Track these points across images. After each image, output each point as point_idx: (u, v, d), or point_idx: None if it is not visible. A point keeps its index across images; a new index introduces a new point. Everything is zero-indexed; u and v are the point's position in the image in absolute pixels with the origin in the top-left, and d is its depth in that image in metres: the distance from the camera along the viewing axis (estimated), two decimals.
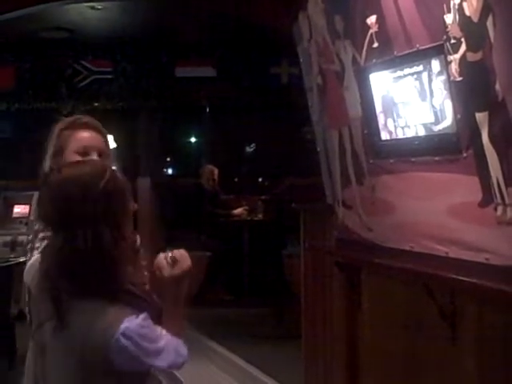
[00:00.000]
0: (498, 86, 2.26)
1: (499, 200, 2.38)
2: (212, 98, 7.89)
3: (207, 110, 8.45)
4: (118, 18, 6.54)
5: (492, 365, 2.63)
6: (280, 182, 7.89)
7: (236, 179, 10.42)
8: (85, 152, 2.08)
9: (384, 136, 3.01)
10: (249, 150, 11.36)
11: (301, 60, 3.56)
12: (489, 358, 2.66)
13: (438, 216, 2.72)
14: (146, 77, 7.69)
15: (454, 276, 2.69)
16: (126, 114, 7.98)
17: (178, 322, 1.69)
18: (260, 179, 12.08)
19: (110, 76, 7.85)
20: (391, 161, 2.97)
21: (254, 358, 5.19)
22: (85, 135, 2.15)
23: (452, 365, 2.82)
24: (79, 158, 2.02)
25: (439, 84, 2.59)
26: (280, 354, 5.18)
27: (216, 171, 7.66)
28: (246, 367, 5.10)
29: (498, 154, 2.34)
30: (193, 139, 10.24)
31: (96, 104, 7.80)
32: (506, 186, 2.33)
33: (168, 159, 10.03)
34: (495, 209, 2.40)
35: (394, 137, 2.96)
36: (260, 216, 7.70)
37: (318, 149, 3.55)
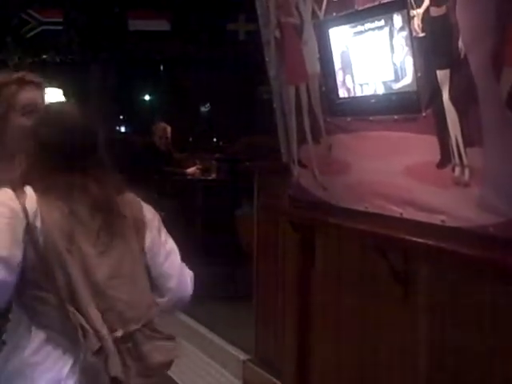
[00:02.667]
0: (460, 43, 2.20)
1: (457, 161, 2.34)
2: (166, 53, 7.67)
3: (161, 66, 8.23)
4: None
5: (443, 325, 2.63)
6: (235, 142, 7.79)
7: (190, 139, 10.26)
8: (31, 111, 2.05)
9: (342, 93, 2.93)
10: (204, 109, 11.19)
11: (258, 12, 3.43)
12: (440, 318, 2.65)
13: (393, 176, 2.68)
14: (98, 29, 7.40)
15: (408, 237, 2.65)
16: (77, 67, 7.71)
17: None
18: (214, 139, 11.98)
19: (59, 27, 7.53)
20: (348, 119, 2.90)
21: (204, 318, 5.14)
22: (32, 95, 2.11)
23: (403, 325, 2.81)
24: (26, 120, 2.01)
25: (401, 40, 2.51)
26: (232, 314, 5.14)
27: (169, 129, 7.49)
28: (196, 327, 5.06)
29: (458, 114, 2.29)
30: (147, 97, 10.00)
31: (44, 56, 7.50)
32: (465, 146, 2.28)
33: (121, 117, 9.80)
34: (453, 170, 2.37)
35: (351, 94, 2.88)
36: (213, 175, 7.60)
37: (275, 105, 3.46)
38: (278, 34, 3.29)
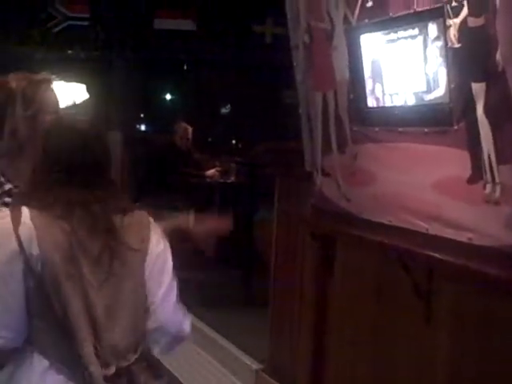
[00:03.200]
0: (498, 56, 2.11)
1: (489, 178, 2.25)
2: (190, 53, 7.63)
3: (185, 66, 8.20)
4: None
5: (466, 347, 2.54)
6: (254, 146, 7.73)
7: (210, 139, 10.20)
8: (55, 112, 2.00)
9: (371, 103, 2.85)
10: (224, 110, 11.14)
11: (288, 16, 3.36)
12: (463, 339, 2.56)
13: (421, 190, 2.59)
14: (124, 26, 7.38)
15: (433, 253, 2.57)
16: (101, 64, 7.70)
17: None
18: (234, 141, 11.90)
19: (85, 23, 7.52)
20: (376, 129, 2.82)
21: (216, 324, 5.07)
22: (56, 95, 2.06)
23: (423, 345, 2.72)
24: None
25: (435, 50, 2.43)
26: (246, 321, 5.06)
27: (190, 129, 7.45)
28: (208, 332, 4.99)
29: (492, 129, 2.20)
30: (168, 96, 9.96)
31: (69, 52, 7.49)
32: (498, 163, 2.19)
33: (142, 115, 9.78)
34: (484, 187, 2.28)
35: (381, 104, 2.80)
36: (232, 178, 7.54)
37: (300, 111, 3.38)
38: (307, 38, 3.22)
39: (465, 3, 2.20)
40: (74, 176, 1.65)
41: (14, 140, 1.91)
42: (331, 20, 3.00)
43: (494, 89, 2.16)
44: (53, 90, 2.02)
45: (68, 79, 7.63)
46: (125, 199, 1.74)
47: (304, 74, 3.32)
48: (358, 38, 2.82)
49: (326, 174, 3.27)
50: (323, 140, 3.24)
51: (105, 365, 1.59)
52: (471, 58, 2.24)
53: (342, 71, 2.99)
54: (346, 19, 2.89)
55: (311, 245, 3.56)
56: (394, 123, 2.71)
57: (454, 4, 2.25)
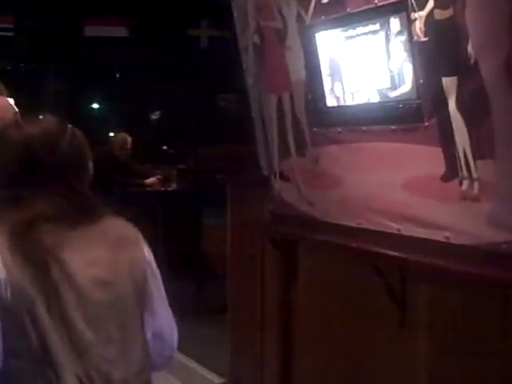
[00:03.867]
0: (469, 48, 2.04)
1: (465, 174, 2.18)
2: (124, 61, 7.40)
3: (117, 74, 7.97)
4: None
5: (444, 352, 2.46)
6: (187, 151, 7.58)
7: (140, 147, 9.95)
8: None
9: (330, 102, 2.75)
10: (154, 117, 10.97)
11: (235, 16, 3.22)
12: (441, 343, 2.48)
13: (391, 190, 2.51)
14: (51, 35, 7.07)
15: (406, 255, 2.49)
16: (29, 76, 7.36)
17: None
18: (165, 147, 11.64)
19: (10, 33, 7.17)
20: (338, 129, 2.72)
21: None
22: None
23: (400, 352, 2.64)
24: None
25: (398, 45, 2.34)
26: (200, 332, 4.88)
27: (129, 139, 7.22)
28: None
29: (466, 124, 2.13)
30: (95, 105, 9.65)
31: None
32: (475, 158, 2.13)
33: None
34: (460, 183, 2.21)
35: (341, 103, 2.70)
36: (174, 186, 7.36)
37: (253, 114, 3.25)
38: (257, 39, 3.09)
39: None
40: (19, 193, 1.49)
41: None
42: (283, 19, 2.88)
43: (466, 82, 2.09)
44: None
45: None
46: (90, 206, 1.54)
47: (255, 76, 3.19)
48: (314, 36, 2.71)
49: (284, 178, 3.16)
50: (280, 143, 3.13)
51: None
52: (440, 52, 2.16)
53: (297, 71, 2.88)
54: (299, 17, 2.78)
55: (271, 251, 3.43)
56: (357, 122, 2.62)
57: None
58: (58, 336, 1.42)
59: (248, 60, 3.21)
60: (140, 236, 1.59)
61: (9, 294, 1.39)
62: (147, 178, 7.45)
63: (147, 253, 1.59)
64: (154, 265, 1.61)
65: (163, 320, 1.62)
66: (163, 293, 1.63)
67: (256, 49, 3.13)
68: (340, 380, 2.99)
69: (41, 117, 1.64)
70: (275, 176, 3.22)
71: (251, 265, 3.73)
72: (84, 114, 9.26)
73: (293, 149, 3.04)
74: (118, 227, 1.57)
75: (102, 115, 10.06)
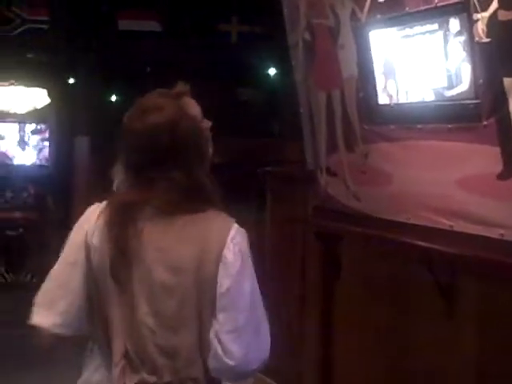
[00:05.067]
0: None
1: None
2: (156, 56, 7.47)
3: (147, 68, 8.04)
4: None
5: (492, 347, 2.51)
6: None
7: None
8: None
9: (383, 100, 2.79)
10: None
11: (285, 12, 3.27)
12: (489, 339, 2.53)
13: (444, 187, 2.55)
14: (85, 28, 7.15)
15: (456, 251, 2.54)
16: (63, 67, 7.45)
17: None
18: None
19: (45, 26, 7.26)
20: (391, 127, 2.77)
21: None
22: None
23: (449, 345, 2.69)
24: None
25: (457, 45, 2.38)
26: None
27: None
28: None
29: None
30: (122, 98, 9.68)
31: (29, 55, 7.22)
32: None
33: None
34: None
35: (394, 101, 2.75)
36: None
37: (301, 110, 3.31)
38: (307, 36, 3.14)
39: None
40: (140, 171, 1.59)
41: None
42: (336, 16, 2.93)
43: None
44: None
45: (28, 84, 7.37)
46: (200, 196, 1.59)
47: (305, 72, 3.24)
48: (368, 34, 2.76)
49: (331, 173, 3.21)
50: (328, 139, 3.18)
51: (132, 371, 1.53)
52: (503, 53, 2.20)
53: (349, 69, 2.93)
54: (353, 15, 2.83)
55: (315, 246, 3.49)
56: (412, 120, 2.66)
57: None
58: (119, 313, 1.53)
59: (297, 57, 3.27)
60: (228, 236, 1.55)
61: (96, 260, 1.56)
62: None
63: (230, 253, 1.54)
64: (237, 267, 1.54)
65: (241, 320, 1.52)
66: (247, 294, 1.53)
67: (306, 46, 3.18)
68: (385, 373, 3.04)
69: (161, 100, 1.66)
70: (321, 171, 3.27)
71: (292, 260, 3.79)
72: (111, 106, 9.33)
73: (341, 145, 3.09)
74: (206, 223, 1.58)
75: (128, 106, 10.12)
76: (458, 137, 2.45)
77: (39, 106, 7.50)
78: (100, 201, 1.65)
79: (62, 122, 7.64)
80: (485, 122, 2.32)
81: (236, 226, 1.59)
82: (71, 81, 7.70)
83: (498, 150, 2.29)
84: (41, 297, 1.62)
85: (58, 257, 1.65)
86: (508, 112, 2.21)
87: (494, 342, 2.51)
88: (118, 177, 1.64)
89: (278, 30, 3.52)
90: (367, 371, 3.16)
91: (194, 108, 1.68)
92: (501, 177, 2.31)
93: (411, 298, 2.91)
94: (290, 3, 3.22)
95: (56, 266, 1.63)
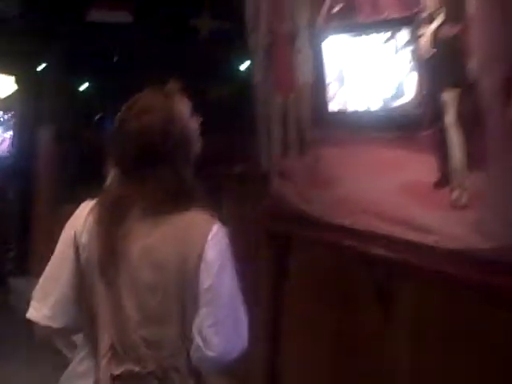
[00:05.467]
0: (472, 64, 2.18)
1: (457, 183, 2.32)
2: (126, 47, 7.49)
3: (114, 58, 8.04)
4: None
5: (426, 345, 2.61)
6: None
7: None
8: None
9: (334, 107, 2.88)
10: None
11: (247, 16, 3.35)
12: (423, 339, 2.64)
13: (385, 194, 2.64)
14: (55, 18, 7.13)
15: (395, 255, 2.63)
16: (31, 57, 7.42)
17: None
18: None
19: (13, 13, 7.21)
20: (340, 133, 2.85)
21: None
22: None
23: (385, 343, 2.79)
24: None
25: (405, 57, 2.48)
26: None
27: None
28: None
29: (462, 136, 2.27)
30: (87, 87, 9.60)
31: None
32: (467, 168, 2.27)
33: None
34: (451, 191, 2.35)
35: (344, 109, 2.84)
36: None
37: (258, 112, 3.38)
38: (268, 40, 3.22)
39: (439, 12, 2.26)
40: (128, 173, 1.68)
41: None
42: (295, 23, 3.01)
43: (466, 96, 2.22)
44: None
45: None
46: (186, 195, 1.68)
47: (264, 75, 3.32)
48: (323, 42, 2.85)
49: (284, 176, 3.29)
50: (282, 142, 3.26)
51: (118, 361, 1.62)
52: (444, 67, 2.30)
53: (305, 75, 3.01)
54: (310, 23, 2.91)
55: (266, 246, 3.56)
56: (359, 128, 2.75)
57: (426, 13, 2.31)
58: (106, 307, 1.62)
59: (258, 59, 3.34)
60: (209, 234, 1.63)
61: (84, 257, 1.67)
62: None
63: (211, 251, 1.62)
64: (218, 265, 1.63)
65: (221, 314, 1.62)
66: (227, 290, 1.64)
67: (266, 50, 3.26)
68: (326, 372, 3.13)
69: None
70: (275, 173, 3.35)
71: (245, 259, 3.84)
72: (77, 95, 9.30)
73: (294, 148, 3.17)
74: (188, 222, 1.66)
75: (93, 97, 10.07)
76: (401, 145, 2.54)
77: (5, 94, 7.46)
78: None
79: (28, 110, 7.61)
80: (424, 133, 2.41)
81: (217, 224, 1.67)
82: (39, 69, 7.66)
83: (435, 159, 2.39)
84: (36, 291, 1.74)
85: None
86: (446, 124, 2.31)
87: (427, 343, 2.61)
88: (110, 174, 1.72)
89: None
90: (313, 373, 3.25)
91: (184, 106, 1.77)
92: (437, 186, 2.40)
93: (354, 301, 3.00)
94: (251, 7, 3.30)
95: (50, 261, 1.74)
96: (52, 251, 1.75)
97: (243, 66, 8.05)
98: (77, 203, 1.78)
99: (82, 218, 1.71)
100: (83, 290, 1.68)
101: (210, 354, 1.61)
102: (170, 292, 1.63)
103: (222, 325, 1.62)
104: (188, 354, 1.64)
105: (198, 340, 1.61)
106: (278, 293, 3.45)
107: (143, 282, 1.62)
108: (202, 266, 1.62)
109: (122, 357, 1.62)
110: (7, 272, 6.89)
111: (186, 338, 1.64)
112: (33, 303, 1.73)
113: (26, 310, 1.73)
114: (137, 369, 1.62)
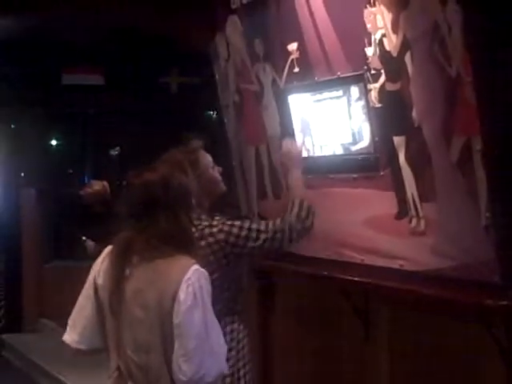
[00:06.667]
0: (414, 114, 2.57)
1: (414, 213, 2.70)
2: (99, 107, 7.85)
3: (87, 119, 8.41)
4: (1, 18, 6.31)
5: (403, 357, 2.95)
6: None
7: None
8: None
9: (303, 153, 3.25)
10: (113, 153, 11.28)
11: (216, 77, 3.73)
12: (400, 354, 2.97)
13: (355, 227, 3.01)
14: (31, 82, 7.47)
15: (369, 280, 2.98)
16: (9, 121, 7.74)
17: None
18: (124, 182, 11.89)
19: None
20: (309, 176, 3.21)
21: None
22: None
23: (365, 361, 3.12)
24: None
25: (358, 109, 2.87)
26: None
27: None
28: None
29: (413, 173, 2.65)
30: (54, 144, 9.81)
31: None
32: (421, 201, 2.65)
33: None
34: (410, 221, 2.72)
35: (311, 154, 3.21)
36: None
37: (234, 162, 3.74)
38: (236, 98, 3.60)
39: (382, 71, 2.66)
40: (131, 219, 2.06)
41: None
42: (260, 82, 3.40)
43: (412, 141, 2.61)
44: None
45: None
46: (172, 243, 2.02)
47: (235, 130, 3.69)
48: (287, 98, 3.23)
49: (262, 217, 3.63)
50: (258, 188, 3.61)
51: (121, 381, 2.02)
52: (391, 116, 2.69)
53: (273, 127, 3.39)
54: (274, 82, 3.30)
55: (252, 282, 3.88)
56: (325, 171, 3.12)
57: (373, 72, 2.70)
58: (112, 336, 2.04)
59: (229, 116, 3.71)
60: (184, 278, 1.95)
61: (101, 294, 2.07)
62: None
63: (182, 293, 1.94)
64: (188, 305, 1.93)
65: (190, 346, 1.92)
66: (197, 326, 1.93)
67: (236, 107, 3.63)
68: None
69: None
70: (253, 215, 3.70)
71: None
72: (52, 153, 9.57)
73: (270, 192, 3.53)
74: (169, 267, 2.00)
75: (71, 155, 10.32)
76: (362, 184, 2.92)
77: None
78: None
79: (10, 172, 7.85)
80: (382, 172, 2.80)
81: (194, 268, 2.00)
82: (17, 131, 7.96)
83: (393, 194, 2.77)
84: (69, 320, 2.15)
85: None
86: (399, 164, 2.70)
87: (403, 357, 2.95)
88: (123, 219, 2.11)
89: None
90: None
91: (205, 158, 2.42)
92: (397, 217, 2.78)
93: (336, 324, 3.33)
94: (220, 70, 3.68)
95: (79, 298, 2.15)
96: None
97: (213, 117, 8.43)
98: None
99: (99, 263, 2.12)
100: (102, 321, 2.08)
101: (183, 378, 1.94)
102: (153, 326, 1.97)
103: (192, 354, 1.93)
104: (172, 378, 1.99)
105: (174, 366, 1.95)
106: (265, 322, 3.76)
107: (134, 317, 1.99)
108: (175, 305, 1.95)
109: (125, 377, 2.01)
110: (0, 328, 7.08)
111: (169, 364, 1.96)
112: (67, 330, 2.14)
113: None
114: None
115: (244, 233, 2.43)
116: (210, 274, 2.26)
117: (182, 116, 8.28)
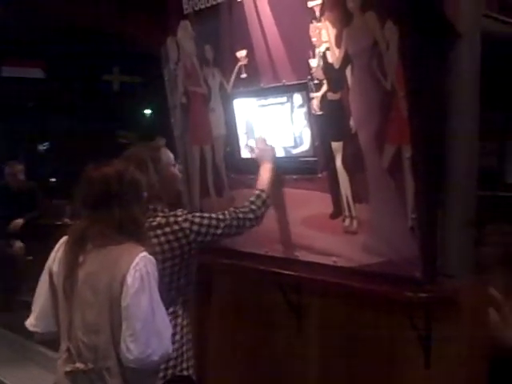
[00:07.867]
0: (352, 122, 2.81)
1: (347, 213, 2.93)
2: (38, 101, 7.86)
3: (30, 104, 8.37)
4: None
5: (333, 348, 3.17)
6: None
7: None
8: None
9: (245, 154, 3.45)
10: (42, 148, 11.20)
11: (166, 79, 3.87)
12: (330, 342, 3.19)
13: (293, 226, 3.22)
14: None
15: (303, 275, 3.19)
16: None
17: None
18: (53, 179, 11.58)
19: None
20: (251, 176, 3.41)
21: None
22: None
23: (297, 351, 3.33)
24: None
25: (300, 115, 3.09)
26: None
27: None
28: None
29: (348, 177, 2.89)
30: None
31: None
32: (354, 202, 2.89)
33: None
34: (343, 220, 2.96)
35: (254, 155, 3.40)
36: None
37: (179, 162, 3.88)
38: (184, 100, 3.76)
39: (324, 82, 2.89)
40: (87, 209, 2.25)
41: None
42: (208, 86, 3.57)
43: (348, 147, 2.85)
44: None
45: None
46: (124, 231, 2.22)
47: (182, 130, 3.85)
48: (233, 102, 3.42)
49: None
50: (201, 186, 3.78)
51: (70, 361, 2.21)
52: (331, 123, 2.92)
53: (218, 128, 3.57)
54: (222, 86, 3.48)
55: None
56: None
57: (315, 81, 2.93)
58: (64, 319, 2.22)
59: (176, 116, 3.87)
60: (132, 264, 2.16)
61: (55, 280, 2.28)
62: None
63: (130, 278, 2.15)
64: (136, 288, 2.14)
65: (137, 327, 2.12)
66: (144, 309, 2.14)
67: (183, 108, 3.79)
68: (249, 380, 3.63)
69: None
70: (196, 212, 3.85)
71: None
72: None
73: (212, 191, 3.71)
74: (119, 254, 2.20)
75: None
76: (302, 185, 3.14)
77: None
78: None
79: None
80: (320, 175, 3.02)
81: (142, 254, 2.21)
82: None
83: (329, 196, 3.00)
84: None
85: None
86: (335, 168, 2.93)
87: (333, 346, 3.17)
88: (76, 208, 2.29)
89: (157, 80, 4.12)
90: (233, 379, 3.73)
91: (166, 156, 2.73)
92: (332, 216, 3.01)
93: (271, 316, 3.53)
94: (169, 72, 3.83)
95: (38, 285, 2.37)
96: None
97: (148, 114, 8.56)
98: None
99: (55, 251, 2.33)
100: (56, 305, 2.27)
101: (130, 357, 2.13)
102: (103, 309, 2.17)
103: (138, 335, 2.11)
104: (119, 357, 2.18)
105: (122, 346, 2.14)
106: (202, 316, 3.92)
107: (85, 300, 2.19)
108: (124, 289, 2.15)
109: (73, 357, 2.20)
110: None
111: (116, 344, 2.15)
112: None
113: None
114: (81, 367, 2.18)
115: (206, 221, 2.68)
116: (163, 261, 2.44)
117: (121, 114, 8.39)
